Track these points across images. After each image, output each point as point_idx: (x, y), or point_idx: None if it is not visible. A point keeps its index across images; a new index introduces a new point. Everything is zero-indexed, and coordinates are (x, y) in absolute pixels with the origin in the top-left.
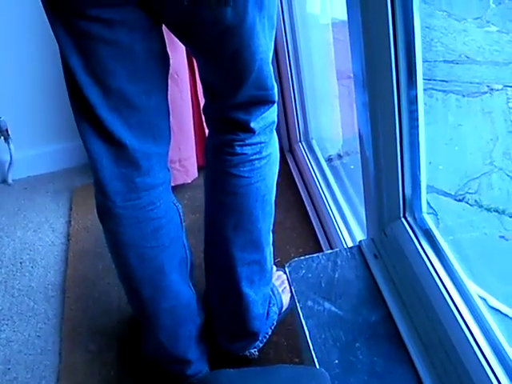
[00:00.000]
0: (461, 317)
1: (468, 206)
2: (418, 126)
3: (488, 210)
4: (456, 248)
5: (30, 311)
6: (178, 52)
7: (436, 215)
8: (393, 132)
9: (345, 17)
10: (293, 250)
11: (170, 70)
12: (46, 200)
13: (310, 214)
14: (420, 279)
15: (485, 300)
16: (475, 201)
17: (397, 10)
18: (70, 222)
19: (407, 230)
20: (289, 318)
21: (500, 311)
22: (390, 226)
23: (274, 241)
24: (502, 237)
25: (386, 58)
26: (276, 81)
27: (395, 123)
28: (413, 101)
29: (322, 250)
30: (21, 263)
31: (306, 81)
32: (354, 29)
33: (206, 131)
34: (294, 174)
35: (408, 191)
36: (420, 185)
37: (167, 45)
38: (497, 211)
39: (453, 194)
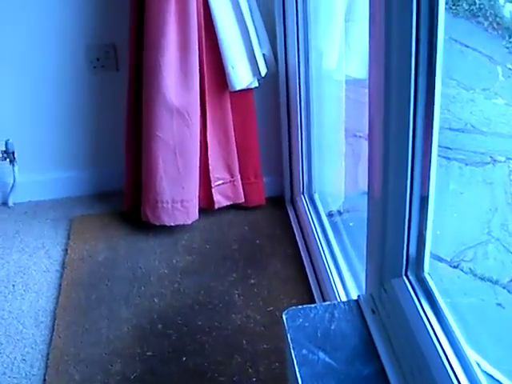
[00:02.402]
0: (456, 379)
1: (462, 273)
2: (428, 186)
3: (482, 279)
4: (454, 310)
5: (18, 334)
6: (191, 93)
7: (432, 279)
8: (403, 190)
9: (358, 75)
10: (286, 301)
11: (182, 110)
12: (45, 226)
13: (306, 266)
14: (417, 338)
15: (478, 364)
16: (469, 269)
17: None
18: (66, 250)
19: (408, 289)
20: (277, 367)
21: (493, 377)
22: (390, 282)
23: (267, 290)
24: (499, 304)
25: (404, 122)
26: (286, 130)
27: (406, 182)
28: (425, 162)
29: (314, 303)
30: (13, 286)
31: (315, 134)
32: (375, 87)
33: (211, 174)
34: (293, 225)
35: (412, 250)
36: (425, 244)
37: (181, 84)
38: (490, 281)
39: (448, 260)
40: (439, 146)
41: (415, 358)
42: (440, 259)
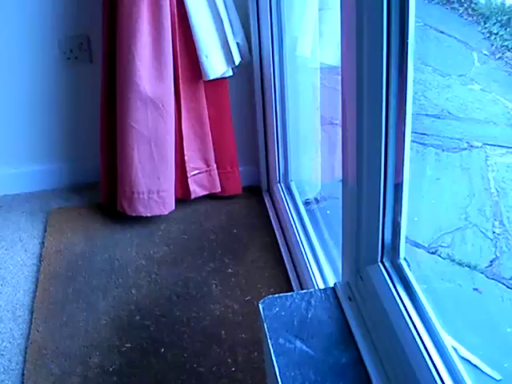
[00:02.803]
0: (433, 365)
1: (440, 259)
2: (402, 173)
3: (460, 264)
4: (431, 296)
5: None
6: (165, 83)
7: (408, 266)
8: (377, 178)
9: (333, 62)
10: (264, 290)
11: (156, 100)
12: (21, 220)
13: (284, 254)
14: (393, 324)
15: (455, 350)
16: (448, 254)
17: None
18: (43, 243)
19: (384, 275)
20: (255, 356)
21: (470, 362)
22: (366, 269)
23: (245, 279)
24: (476, 289)
25: (376, 110)
26: (261, 119)
27: (380, 170)
28: (399, 150)
29: (292, 291)
30: None
31: (291, 123)
32: (348, 73)
33: (187, 164)
34: (270, 214)
35: (388, 236)
36: (400, 231)
37: (155, 74)
38: (468, 266)
39: (426, 246)
40: (416, 133)
41: (392, 345)
42: (418, 245)
